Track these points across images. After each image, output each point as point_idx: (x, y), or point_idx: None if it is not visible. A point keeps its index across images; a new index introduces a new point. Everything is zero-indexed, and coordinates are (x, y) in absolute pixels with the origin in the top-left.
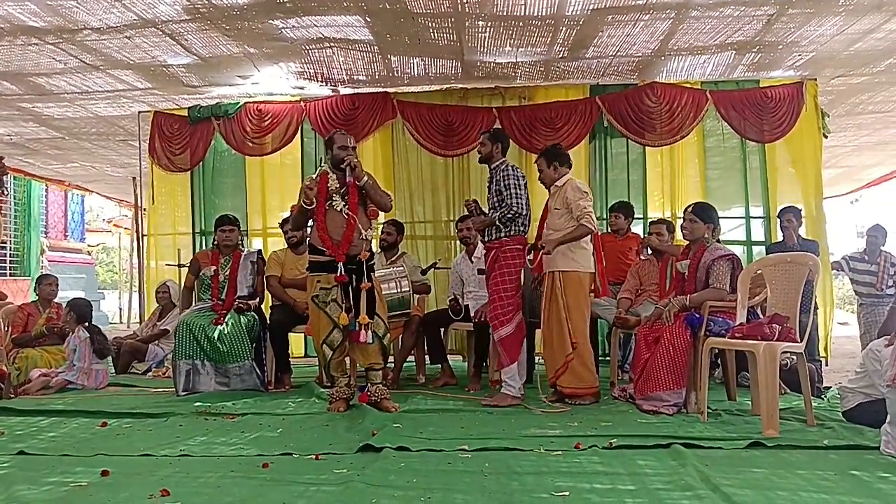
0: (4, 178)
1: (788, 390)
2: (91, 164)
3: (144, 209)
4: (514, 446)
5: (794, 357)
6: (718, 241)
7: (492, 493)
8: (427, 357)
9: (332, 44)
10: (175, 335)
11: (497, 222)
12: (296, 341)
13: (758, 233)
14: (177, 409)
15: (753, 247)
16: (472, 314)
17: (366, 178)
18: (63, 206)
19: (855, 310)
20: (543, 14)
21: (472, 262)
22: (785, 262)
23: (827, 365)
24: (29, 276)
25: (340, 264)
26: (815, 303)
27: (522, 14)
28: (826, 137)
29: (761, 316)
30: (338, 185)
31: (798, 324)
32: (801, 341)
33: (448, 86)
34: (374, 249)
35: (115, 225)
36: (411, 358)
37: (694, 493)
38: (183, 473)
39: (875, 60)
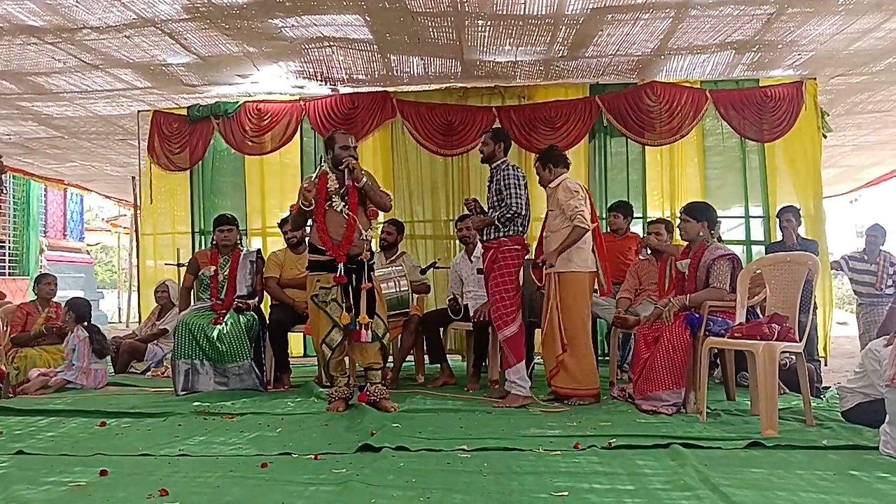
0: (3, 176)
1: (787, 390)
2: (90, 163)
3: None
4: (513, 446)
5: (794, 357)
6: (720, 240)
7: (491, 494)
8: (426, 357)
9: (331, 43)
10: (174, 335)
11: (496, 222)
12: (295, 341)
13: (757, 232)
14: (176, 409)
15: (753, 246)
16: (471, 314)
17: (365, 178)
18: (62, 205)
19: (854, 310)
20: (543, 13)
21: (471, 261)
22: (784, 262)
23: (826, 365)
24: (28, 275)
25: (341, 265)
26: (815, 302)
27: (522, 13)
28: (825, 137)
29: (761, 316)
30: (337, 186)
31: (797, 323)
32: (801, 341)
33: (448, 85)
34: (373, 249)
35: (112, 224)
36: (410, 358)
37: (693, 494)
38: (182, 473)
39: (874, 60)
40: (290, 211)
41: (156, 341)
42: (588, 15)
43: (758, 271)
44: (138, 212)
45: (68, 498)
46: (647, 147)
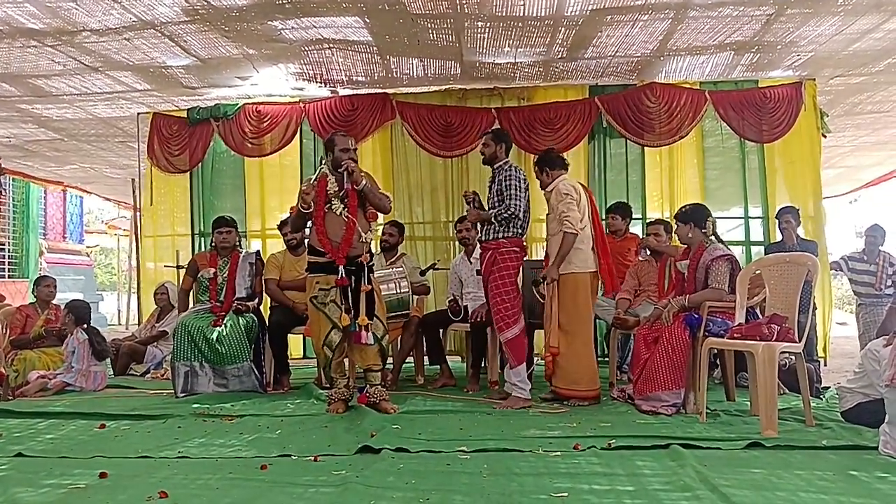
0: (3, 179)
1: (787, 390)
2: (90, 165)
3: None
4: (513, 447)
5: (793, 357)
6: (721, 241)
7: (490, 495)
8: (426, 358)
9: (331, 45)
10: (173, 337)
11: (493, 219)
12: (294, 343)
13: (756, 233)
14: (175, 411)
15: (752, 247)
16: (470, 315)
17: (364, 181)
18: (62, 207)
19: (854, 310)
20: (542, 14)
21: (470, 262)
22: (784, 263)
23: (826, 365)
24: (27, 277)
25: (341, 267)
26: (814, 303)
27: (521, 14)
28: (825, 137)
29: (760, 316)
30: (337, 189)
31: (797, 324)
32: (800, 341)
33: (447, 87)
34: (373, 251)
35: (111, 227)
36: (410, 359)
37: (693, 494)
38: (181, 475)
39: (874, 60)
40: (290, 213)
41: (155, 343)
42: (587, 16)
43: (757, 272)
44: (138, 214)
45: (68, 500)
46: (646, 148)
